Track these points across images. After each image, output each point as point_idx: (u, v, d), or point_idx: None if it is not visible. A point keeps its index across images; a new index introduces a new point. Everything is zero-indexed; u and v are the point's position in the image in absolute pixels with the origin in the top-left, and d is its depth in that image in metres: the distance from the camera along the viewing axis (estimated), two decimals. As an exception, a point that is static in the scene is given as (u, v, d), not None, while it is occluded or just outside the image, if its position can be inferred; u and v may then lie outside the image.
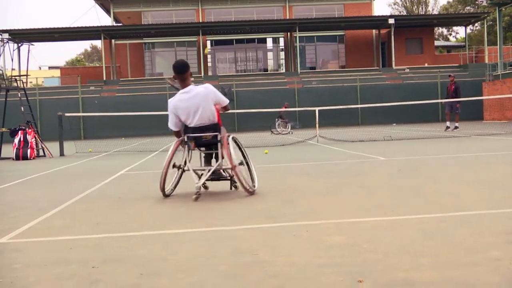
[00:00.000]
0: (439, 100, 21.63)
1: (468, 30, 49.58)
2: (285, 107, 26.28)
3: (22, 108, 17.23)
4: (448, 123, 20.98)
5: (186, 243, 4.14)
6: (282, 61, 47.32)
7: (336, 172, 8.66)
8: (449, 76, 21.82)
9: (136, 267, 3.46)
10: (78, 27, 40.65)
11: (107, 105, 33.21)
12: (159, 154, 15.19)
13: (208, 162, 7.07)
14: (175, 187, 6.86)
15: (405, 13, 68.90)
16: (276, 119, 26.55)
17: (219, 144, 6.62)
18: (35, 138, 16.37)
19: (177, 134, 6.85)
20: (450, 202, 5.38)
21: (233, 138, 6.88)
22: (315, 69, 44.33)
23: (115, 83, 39.39)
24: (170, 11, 45.60)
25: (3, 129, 16.88)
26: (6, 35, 33.82)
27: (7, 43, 21.55)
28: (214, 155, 6.97)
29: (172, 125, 6.78)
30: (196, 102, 6.54)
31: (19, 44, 25.08)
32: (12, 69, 20.63)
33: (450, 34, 73.51)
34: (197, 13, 45.37)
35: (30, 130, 16.15)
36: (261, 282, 3.04)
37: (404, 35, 42.62)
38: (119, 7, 44.97)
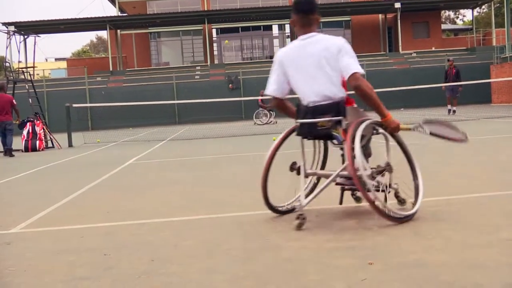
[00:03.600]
0: (442, 84, 21.55)
1: (475, 13, 49.22)
2: (262, 95, 25.77)
3: (30, 100, 17.28)
4: (449, 107, 21.01)
5: (196, 229, 4.16)
6: (288, 48, 47.17)
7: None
8: (448, 60, 21.77)
9: (147, 254, 3.48)
10: (83, 18, 40.63)
11: (114, 96, 33.24)
12: (166, 144, 15.22)
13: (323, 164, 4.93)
14: (307, 195, 4.37)
15: (411, -3, 68.44)
16: (261, 110, 25.31)
17: (343, 135, 4.16)
18: (44, 129, 16.43)
19: (280, 106, 4.53)
20: (460, 184, 5.37)
21: (377, 124, 4.41)
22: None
23: (121, 74, 39.41)
24: (175, 0, 45.48)
25: (15, 121, 16.91)
26: (12, 28, 33.87)
27: (14, 36, 21.59)
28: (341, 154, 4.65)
29: (270, 87, 4.34)
30: (316, 58, 4.06)
31: (25, 36, 25.14)
32: (19, 62, 20.67)
33: (457, 17, 72.97)
34: (202, 1, 45.22)
35: (38, 122, 16.21)
36: (273, 266, 3.05)
37: (410, 19, 42.34)
38: (124, -3, 44.91)
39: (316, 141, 4.70)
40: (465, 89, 20.90)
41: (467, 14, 71.06)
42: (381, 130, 4.41)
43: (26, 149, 15.55)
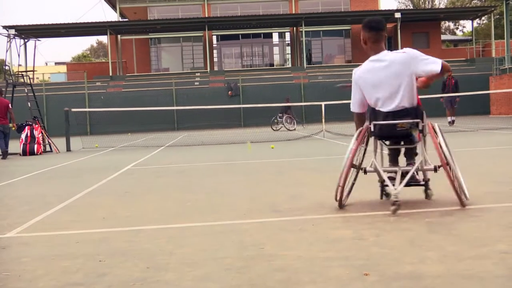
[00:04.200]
0: (441, 95, 21.56)
1: (475, 24, 49.37)
2: (288, 101, 26.01)
3: (29, 103, 17.29)
4: (449, 118, 21.03)
5: (192, 237, 4.15)
6: (288, 56, 47.25)
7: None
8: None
9: (142, 261, 3.47)
10: (84, 23, 40.69)
11: (113, 101, 33.26)
12: (165, 150, 15.22)
13: (395, 160, 5.31)
14: (348, 193, 5.23)
15: (411, 7, 68.63)
16: (281, 114, 25.85)
17: (418, 136, 4.97)
18: (42, 133, 16.43)
19: (360, 119, 5.25)
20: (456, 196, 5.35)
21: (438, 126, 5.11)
22: (321, 63, 44.23)
23: (121, 79, 39.44)
24: (176, 6, 45.58)
25: (10, 125, 16.93)
26: (12, 31, 33.89)
27: (14, 39, 21.61)
28: (404, 152, 5.28)
29: (354, 104, 5.19)
30: (392, 75, 4.83)
31: (26, 40, 25.15)
32: (19, 65, 20.68)
33: (457, 28, 73.19)
34: (203, 8, 45.33)
35: (37, 126, 16.21)
36: (267, 275, 3.05)
37: (410, 29, 42.47)
38: (125, 3, 44.97)
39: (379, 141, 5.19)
40: (464, 100, 20.91)
41: (467, 25, 71.35)
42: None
43: (24, 153, 15.54)
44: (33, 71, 20.07)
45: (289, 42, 46.96)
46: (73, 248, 3.93)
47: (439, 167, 4.82)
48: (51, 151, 16.63)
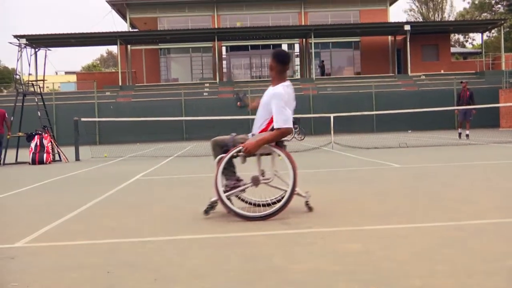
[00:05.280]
0: (455, 107, 21.34)
1: (485, 37, 49.31)
2: None
3: (39, 113, 17.36)
4: (460, 130, 20.51)
5: (200, 249, 4.15)
6: (297, 68, 47.30)
7: (351, 179, 8.63)
8: (461, 82, 21.42)
9: (150, 273, 3.47)
10: (94, 33, 40.90)
11: (122, 110, 33.36)
12: (173, 160, 15.23)
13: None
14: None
15: (421, 20, 68.64)
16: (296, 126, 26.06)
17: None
18: (51, 142, 16.49)
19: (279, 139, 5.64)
20: (466, 210, 5.33)
21: None
22: (330, 75, 44.22)
23: (130, 89, 39.58)
24: (186, 17, 45.76)
25: (20, 134, 17.02)
26: (23, 41, 34.14)
27: (25, 49, 21.73)
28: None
29: (289, 120, 5.49)
30: (293, 99, 5.76)
31: (36, 49, 25.28)
32: (29, 74, 20.78)
33: (467, 41, 73.10)
34: (212, 19, 45.49)
35: (46, 135, 16.27)
36: (275, 289, 3.04)
37: (420, 41, 42.43)
38: (135, 13, 45.20)
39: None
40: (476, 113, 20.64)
41: (477, 38, 71.30)
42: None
43: (34, 162, 15.60)
44: (43, 80, 20.15)
45: (298, 53, 47.01)
46: (81, 259, 3.94)
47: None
48: (60, 160, 16.68)
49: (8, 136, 15.91)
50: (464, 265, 3.34)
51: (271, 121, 5.51)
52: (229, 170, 5.69)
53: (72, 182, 10.07)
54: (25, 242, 4.63)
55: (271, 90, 5.61)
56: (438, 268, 3.29)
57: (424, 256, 3.59)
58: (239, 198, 5.87)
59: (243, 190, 5.60)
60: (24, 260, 4.01)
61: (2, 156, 15.81)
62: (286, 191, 5.40)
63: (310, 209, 5.55)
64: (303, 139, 25.51)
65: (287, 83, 5.67)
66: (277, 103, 5.41)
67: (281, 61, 5.62)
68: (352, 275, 3.22)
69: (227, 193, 5.41)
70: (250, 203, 5.78)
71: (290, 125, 5.42)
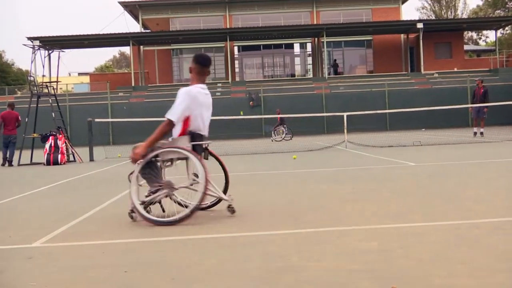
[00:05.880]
0: (469, 105, 21.16)
1: (499, 34, 48.93)
2: (279, 113, 26.26)
3: (53, 114, 17.46)
4: (475, 129, 20.22)
5: (217, 248, 4.14)
6: (310, 67, 47.23)
7: (366, 178, 8.60)
8: (476, 80, 21.18)
9: (168, 272, 3.46)
10: (107, 34, 41.07)
11: (135, 111, 33.45)
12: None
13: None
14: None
15: (433, 17, 68.28)
16: (279, 126, 26.09)
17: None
18: (66, 143, 16.57)
19: (168, 132, 5.66)
20: (483, 208, 5.29)
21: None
22: (342, 74, 44.11)
23: (143, 89, 39.69)
24: (198, 17, 45.82)
25: (35, 135, 17.13)
26: (37, 42, 34.36)
27: (38, 50, 21.87)
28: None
29: (181, 115, 5.49)
30: (210, 105, 5.77)
31: (50, 51, 25.44)
32: (43, 76, 20.90)
33: (480, 38, 72.58)
34: (224, 19, 45.52)
35: (60, 136, 16.36)
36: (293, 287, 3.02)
37: (433, 39, 42.19)
38: (147, 14, 45.35)
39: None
40: (488, 111, 20.45)
41: (490, 35, 70.72)
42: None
43: (48, 163, 15.68)
44: (57, 81, 20.27)
45: (310, 52, 46.93)
46: (99, 259, 3.94)
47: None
48: (75, 161, 16.76)
49: (34, 135, 16.72)
50: (484, 264, 3.31)
51: (186, 122, 5.54)
52: (151, 175, 5.62)
53: (87, 183, 10.11)
54: (42, 242, 4.65)
55: (182, 89, 5.60)
56: (457, 267, 3.26)
57: (442, 255, 3.56)
58: (176, 202, 5.77)
59: (160, 197, 5.49)
60: (41, 260, 4.03)
61: (17, 157, 16.16)
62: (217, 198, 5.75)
63: (232, 212, 5.54)
64: (291, 138, 25.53)
65: (204, 86, 5.70)
66: (179, 100, 5.46)
67: (199, 62, 5.67)
68: (372, 274, 3.20)
69: (148, 198, 5.42)
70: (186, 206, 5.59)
71: (172, 117, 5.43)
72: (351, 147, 16.75)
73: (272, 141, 25.14)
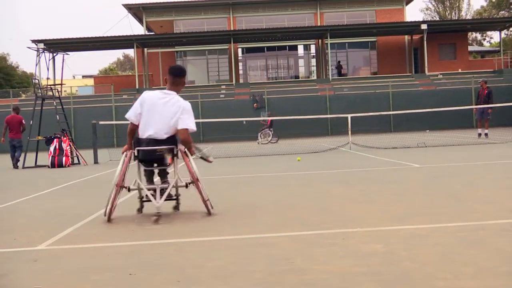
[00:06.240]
0: (473, 106, 21.10)
1: (503, 35, 48.81)
2: (270, 115, 26.23)
3: (58, 116, 17.49)
4: (479, 130, 20.18)
5: (221, 250, 4.14)
6: (313, 68, 47.20)
7: (370, 179, 8.59)
8: (479, 81, 21.13)
9: (173, 274, 3.47)
10: (111, 37, 41.12)
11: (140, 113, 33.45)
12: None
13: (151, 180, 6.35)
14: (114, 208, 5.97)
15: (437, 19, 68.19)
16: (266, 129, 26.06)
17: (169, 160, 6.06)
18: (70, 146, 16.60)
19: (132, 131, 6.11)
20: (488, 209, 5.28)
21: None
22: (346, 75, 44.07)
23: (147, 92, 39.72)
24: (201, 20, 45.85)
25: (39, 137, 17.16)
26: (41, 45, 34.43)
27: (43, 53, 21.92)
28: (157, 172, 6.39)
29: (132, 114, 6.02)
30: (167, 108, 5.94)
31: (54, 54, 25.50)
32: (47, 79, 20.94)
33: (484, 39, 72.48)
34: (228, 21, 45.53)
35: (65, 138, 16.38)
36: (298, 290, 3.02)
37: (437, 40, 42.10)
38: (151, 16, 45.40)
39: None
40: (492, 112, 20.38)
41: (495, 36, 70.62)
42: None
43: (53, 165, 15.71)
44: (61, 84, 20.32)
45: (314, 54, 46.89)
46: (103, 261, 3.95)
47: (190, 183, 5.98)
48: (79, 163, 16.78)
49: (38, 137, 16.89)
50: (489, 266, 3.30)
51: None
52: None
53: (92, 185, 10.13)
54: (47, 244, 4.66)
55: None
56: (462, 269, 3.25)
57: (447, 257, 3.56)
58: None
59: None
60: (46, 262, 4.04)
61: (22, 159, 16.29)
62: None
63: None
64: (277, 141, 25.46)
65: (167, 91, 6.14)
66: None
67: (172, 73, 6.10)
68: (376, 276, 3.19)
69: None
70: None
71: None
72: (355, 149, 16.73)
73: (258, 143, 25.09)
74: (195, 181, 5.91)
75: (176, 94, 6.10)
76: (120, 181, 5.86)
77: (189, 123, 5.94)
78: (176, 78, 6.11)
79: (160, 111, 5.90)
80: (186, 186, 6.01)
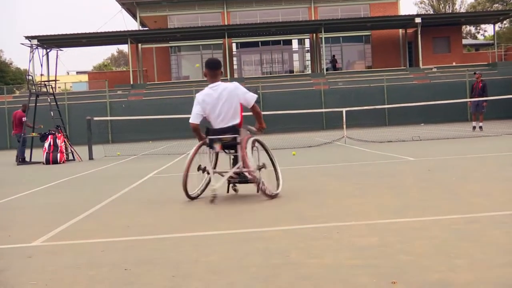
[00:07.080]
0: (468, 100, 21.13)
1: (497, 28, 48.89)
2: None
3: (52, 113, 17.45)
4: (474, 123, 20.24)
5: (217, 245, 4.14)
6: (308, 63, 47.20)
7: (366, 173, 8.60)
8: (474, 73, 21.16)
9: (168, 270, 3.46)
10: (105, 32, 41.01)
11: (134, 109, 33.43)
12: (186, 157, 15.23)
13: (236, 164, 6.74)
14: (202, 191, 6.84)
15: (431, 12, 68.24)
16: None
17: (238, 147, 6.51)
18: (65, 142, 16.57)
19: (197, 129, 6.78)
20: (483, 202, 5.30)
21: (256, 140, 6.86)
22: (341, 69, 44.08)
23: (142, 87, 39.66)
24: (195, 15, 45.78)
25: (34, 134, 17.13)
26: (35, 41, 34.32)
27: (37, 49, 21.86)
28: (232, 158, 6.90)
29: (194, 117, 6.69)
30: (223, 100, 6.54)
31: (48, 50, 25.40)
32: (41, 75, 20.91)
33: (478, 32, 72.60)
34: (222, 16, 45.48)
35: (59, 135, 16.35)
36: (293, 284, 3.02)
37: (431, 34, 42.15)
38: (145, 12, 45.29)
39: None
40: (487, 105, 20.42)
41: (489, 29, 70.75)
42: (257, 144, 6.90)
43: (47, 162, 15.68)
44: (55, 80, 20.26)
45: (308, 48, 46.90)
46: (98, 257, 3.95)
47: (261, 167, 6.61)
48: (74, 159, 16.76)
49: (33, 134, 17.30)
50: (483, 258, 3.31)
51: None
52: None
53: (86, 181, 10.12)
54: (42, 241, 4.65)
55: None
56: (457, 261, 3.26)
57: (441, 249, 3.56)
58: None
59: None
60: (41, 258, 4.03)
61: (21, 153, 16.79)
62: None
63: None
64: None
65: (213, 85, 6.64)
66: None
67: (208, 67, 6.64)
68: (372, 269, 3.20)
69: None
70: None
71: (192, 120, 6.66)
72: (350, 143, 16.74)
73: None
74: (248, 171, 6.33)
75: (220, 82, 6.64)
76: (188, 166, 6.63)
77: (249, 96, 6.74)
78: (213, 71, 6.64)
79: (221, 104, 6.54)
80: (259, 169, 6.50)
